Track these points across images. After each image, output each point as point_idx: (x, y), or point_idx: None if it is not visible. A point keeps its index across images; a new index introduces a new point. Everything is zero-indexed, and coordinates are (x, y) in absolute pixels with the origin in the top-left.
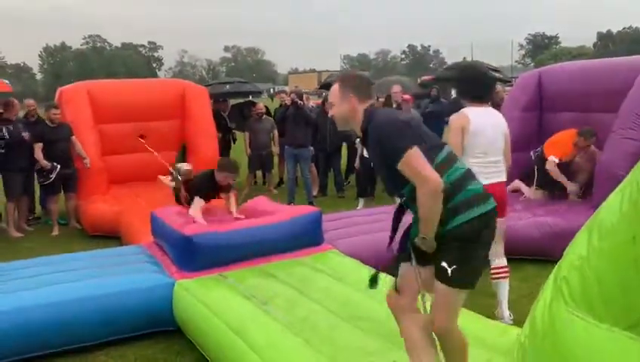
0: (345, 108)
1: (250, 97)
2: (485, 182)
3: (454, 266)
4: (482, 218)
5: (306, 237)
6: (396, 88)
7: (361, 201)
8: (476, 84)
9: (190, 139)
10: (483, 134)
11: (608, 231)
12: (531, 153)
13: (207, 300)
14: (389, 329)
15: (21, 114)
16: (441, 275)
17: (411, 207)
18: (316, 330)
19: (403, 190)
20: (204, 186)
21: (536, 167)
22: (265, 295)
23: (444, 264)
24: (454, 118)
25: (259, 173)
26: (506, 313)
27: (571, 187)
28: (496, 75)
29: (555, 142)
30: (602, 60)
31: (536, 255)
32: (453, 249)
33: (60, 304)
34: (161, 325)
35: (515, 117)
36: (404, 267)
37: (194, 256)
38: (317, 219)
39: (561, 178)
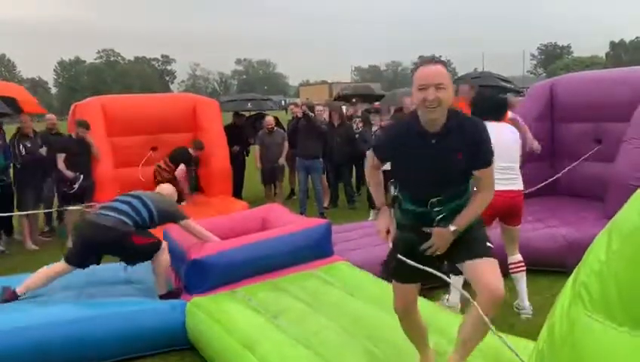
0: (451, 95)
1: (267, 109)
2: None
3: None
4: None
5: (316, 249)
6: (408, 100)
7: (372, 213)
8: (486, 105)
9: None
10: None
11: (628, 235)
12: None
13: (218, 316)
14: (398, 341)
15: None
16: (486, 251)
17: (443, 208)
18: (327, 344)
19: (447, 191)
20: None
21: None
22: (276, 309)
23: (488, 244)
24: None
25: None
26: (527, 303)
27: None
28: (508, 85)
29: None
30: (614, 70)
31: (550, 266)
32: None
33: (73, 322)
34: (175, 343)
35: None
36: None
37: (203, 278)
38: (327, 231)
39: None
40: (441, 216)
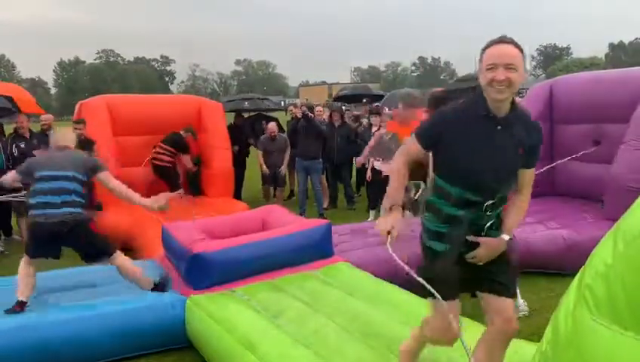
0: (522, 78)
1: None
2: None
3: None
4: None
5: (316, 250)
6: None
7: (372, 213)
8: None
9: (205, 152)
10: None
11: (634, 238)
12: None
13: (218, 316)
14: (398, 338)
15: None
16: (511, 287)
17: (492, 213)
18: (326, 343)
19: (503, 190)
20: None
21: None
22: (275, 309)
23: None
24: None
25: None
26: (520, 301)
27: None
28: None
29: None
30: (614, 71)
31: (550, 268)
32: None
33: (72, 321)
34: (174, 342)
35: None
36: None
37: (204, 273)
38: (327, 232)
39: None
40: (490, 223)
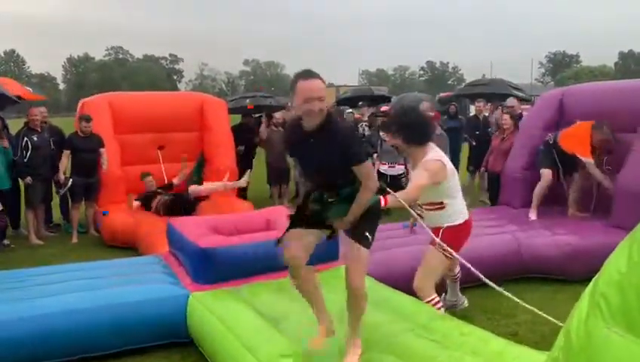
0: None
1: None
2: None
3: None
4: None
5: (322, 253)
6: (426, 105)
7: None
8: (421, 128)
9: (208, 151)
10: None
11: None
12: (548, 136)
13: (220, 313)
14: (400, 347)
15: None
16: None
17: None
18: (328, 348)
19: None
20: None
21: (557, 158)
22: (278, 311)
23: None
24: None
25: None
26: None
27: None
28: (518, 93)
29: (571, 136)
30: (625, 81)
31: (555, 274)
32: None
33: (76, 312)
34: (176, 336)
35: (535, 135)
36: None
37: (209, 267)
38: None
39: (605, 181)
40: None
